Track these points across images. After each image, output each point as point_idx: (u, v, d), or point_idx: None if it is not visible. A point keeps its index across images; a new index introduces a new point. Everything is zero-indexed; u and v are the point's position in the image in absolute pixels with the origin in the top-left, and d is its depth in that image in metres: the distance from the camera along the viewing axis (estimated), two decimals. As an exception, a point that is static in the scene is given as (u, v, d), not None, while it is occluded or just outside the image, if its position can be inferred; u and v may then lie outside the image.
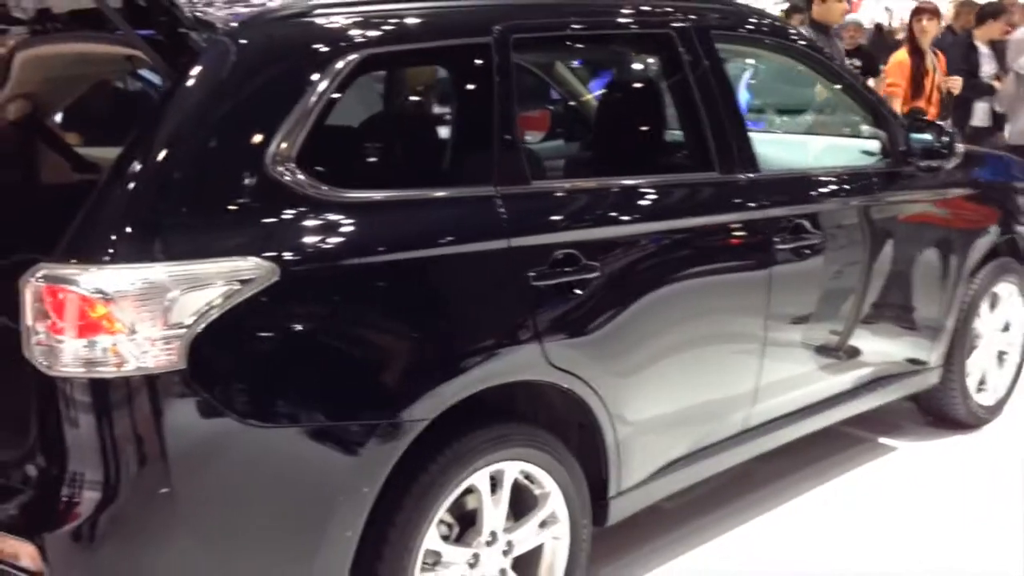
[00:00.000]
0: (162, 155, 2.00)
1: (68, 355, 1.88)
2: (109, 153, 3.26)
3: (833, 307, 3.32)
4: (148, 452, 1.91)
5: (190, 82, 2.08)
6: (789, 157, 3.63)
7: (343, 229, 2.13)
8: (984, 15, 6.71)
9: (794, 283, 3.12)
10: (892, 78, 6.12)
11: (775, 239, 3.01)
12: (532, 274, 2.39)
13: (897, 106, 5.93)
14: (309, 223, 2.08)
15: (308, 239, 2.07)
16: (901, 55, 6.20)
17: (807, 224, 3.10)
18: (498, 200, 2.38)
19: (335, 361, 2.10)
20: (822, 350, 3.32)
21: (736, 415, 3.06)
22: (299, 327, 2.05)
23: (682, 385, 2.84)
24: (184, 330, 1.90)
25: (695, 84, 2.91)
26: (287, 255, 2.01)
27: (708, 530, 3.27)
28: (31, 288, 1.90)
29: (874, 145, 3.63)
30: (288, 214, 2.07)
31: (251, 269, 1.96)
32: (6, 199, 2.94)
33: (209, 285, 1.93)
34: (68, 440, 1.92)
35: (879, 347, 3.55)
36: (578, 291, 2.48)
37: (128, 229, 1.93)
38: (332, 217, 2.12)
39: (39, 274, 1.90)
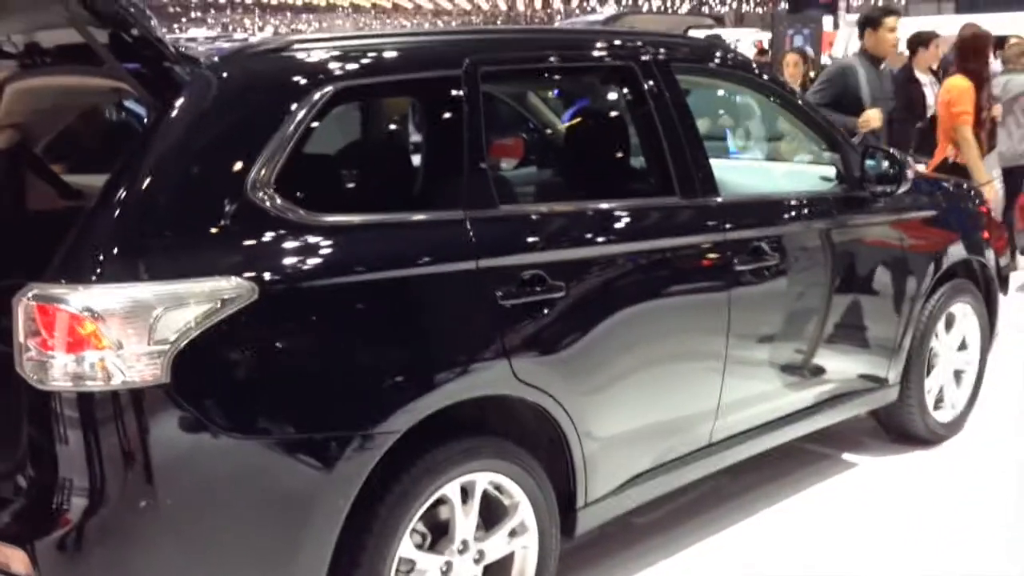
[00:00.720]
0: (148, 181, 2.12)
1: (58, 370, 1.98)
2: (94, 180, 3.39)
3: (792, 327, 3.46)
4: (133, 462, 2.02)
5: (174, 113, 2.20)
6: (749, 182, 3.78)
7: (319, 251, 2.25)
8: (915, 44, 6.91)
9: (754, 303, 3.26)
10: (961, 106, 6.08)
11: (735, 261, 3.14)
12: (500, 293, 2.52)
13: (968, 134, 6.02)
14: (287, 245, 2.20)
15: (286, 260, 2.19)
16: (962, 82, 6.14)
17: (766, 246, 3.24)
18: (467, 223, 2.51)
19: (311, 376, 2.21)
20: (782, 368, 3.45)
21: (700, 430, 3.19)
22: (277, 344, 2.16)
23: (647, 400, 2.96)
24: (168, 346, 2.01)
25: (657, 114, 3.06)
26: (266, 275, 2.13)
27: (674, 543, 3.38)
28: (23, 307, 2.01)
29: (830, 171, 3.79)
30: (267, 237, 2.19)
31: (231, 289, 2.08)
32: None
33: (192, 304, 2.04)
34: (58, 451, 2.02)
35: (838, 365, 3.68)
36: (545, 310, 2.61)
37: (115, 250, 2.05)
38: (309, 239, 2.24)
39: (30, 293, 2.01)
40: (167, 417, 2.03)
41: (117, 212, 2.09)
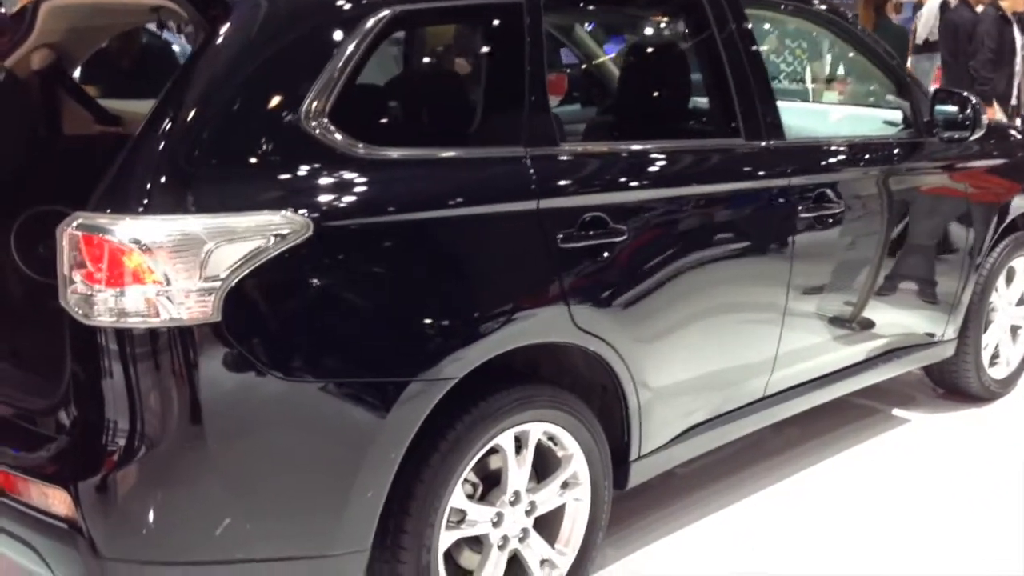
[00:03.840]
0: (197, 109, 1.99)
1: (103, 305, 1.88)
2: (129, 106, 3.26)
3: (852, 277, 3.32)
4: (180, 402, 1.92)
5: (223, 37, 2.06)
6: (814, 126, 3.61)
7: (376, 186, 2.12)
8: None
9: (815, 252, 3.12)
10: None
11: (799, 207, 3.00)
12: (560, 236, 2.39)
13: None
14: (342, 180, 2.07)
15: (341, 196, 2.06)
16: None
17: (830, 193, 3.09)
18: (527, 161, 2.37)
19: (365, 318, 2.10)
20: (840, 320, 3.32)
21: (755, 382, 3.07)
22: (331, 283, 2.04)
23: (704, 351, 2.84)
24: (218, 283, 1.90)
25: (724, 50, 2.89)
26: (320, 211, 2.01)
27: (721, 497, 3.30)
28: (68, 237, 1.89)
29: (897, 116, 3.61)
30: (322, 170, 2.06)
31: (285, 224, 1.96)
32: (29, 149, 2.92)
33: (244, 239, 1.92)
34: (102, 389, 1.92)
35: (895, 319, 3.55)
36: (605, 254, 2.48)
37: (163, 181, 1.93)
38: (365, 174, 2.11)
39: (75, 223, 1.89)
40: (216, 357, 1.92)
41: (165, 140, 1.95)
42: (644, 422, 2.68)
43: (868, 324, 3.45)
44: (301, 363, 2.01)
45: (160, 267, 1.87)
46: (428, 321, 2.17)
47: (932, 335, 3.73)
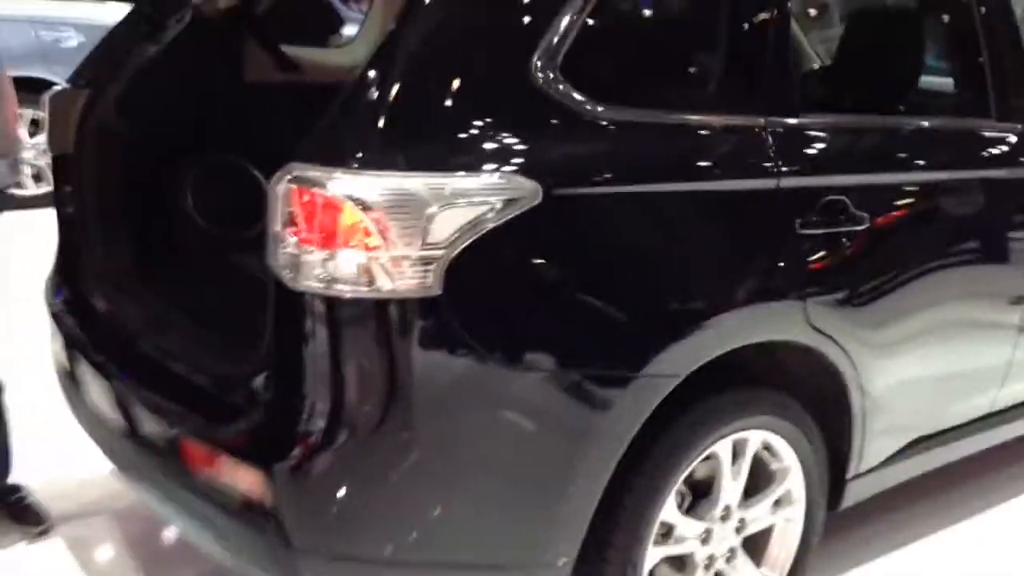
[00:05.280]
0: (416, 60, 1.74)
1: (313, 268, 1.66)
2: (309, 53, 3.07)
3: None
4: (392, 385, 1.69)
5: None
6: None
7: (610, 151, 1.86)
8: None
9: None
10: None
11: (1052, 203, 2.63)
12: (799, 221, 2.09)
13: None
14: (575, 141, 1.82)
15: (573, 159, 1.81)
16: None
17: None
18: (767, 132, 2.08)
19: (593, 301, 1.84)
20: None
21: (982, 397, 2.72)
22: (558, 259, 1.79)
23: (935, 358, 2.50)
24: (440, 251, 1.66)
25: (980, 18, 2.53)
26: (551, 175, 1.75)
27: (928, 519, 2.95)
28: (282, 190, 1.68)
29: None
30: (553, 131, 1.81)
31: (515, 188, 1.71)
32: (210, 95, 2.76)
33: (469, 203, 1.68)
34: (307, 364, 1.71)
35: None
36: (844, 244, 2.17)
37: (382, 134, 1.69)
38: (598, 137, 1.85)
39: (289, 175, 1.68)
40: (433, 335, 1.69)
41: (383, 92, 1.70)
42: (867, 436, 2.37)
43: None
44: (523, 348, 1.77)
45: (380, 229, 1.64)
46: (659, 309, 1.91)
47: None
